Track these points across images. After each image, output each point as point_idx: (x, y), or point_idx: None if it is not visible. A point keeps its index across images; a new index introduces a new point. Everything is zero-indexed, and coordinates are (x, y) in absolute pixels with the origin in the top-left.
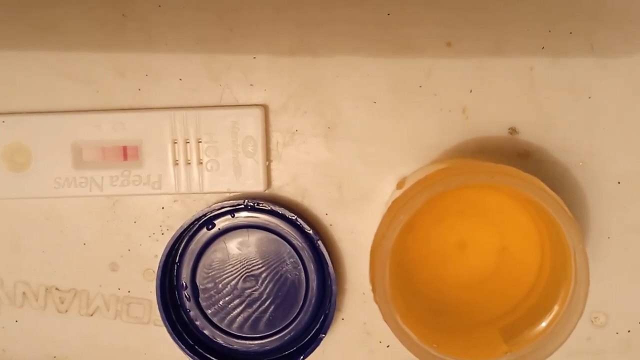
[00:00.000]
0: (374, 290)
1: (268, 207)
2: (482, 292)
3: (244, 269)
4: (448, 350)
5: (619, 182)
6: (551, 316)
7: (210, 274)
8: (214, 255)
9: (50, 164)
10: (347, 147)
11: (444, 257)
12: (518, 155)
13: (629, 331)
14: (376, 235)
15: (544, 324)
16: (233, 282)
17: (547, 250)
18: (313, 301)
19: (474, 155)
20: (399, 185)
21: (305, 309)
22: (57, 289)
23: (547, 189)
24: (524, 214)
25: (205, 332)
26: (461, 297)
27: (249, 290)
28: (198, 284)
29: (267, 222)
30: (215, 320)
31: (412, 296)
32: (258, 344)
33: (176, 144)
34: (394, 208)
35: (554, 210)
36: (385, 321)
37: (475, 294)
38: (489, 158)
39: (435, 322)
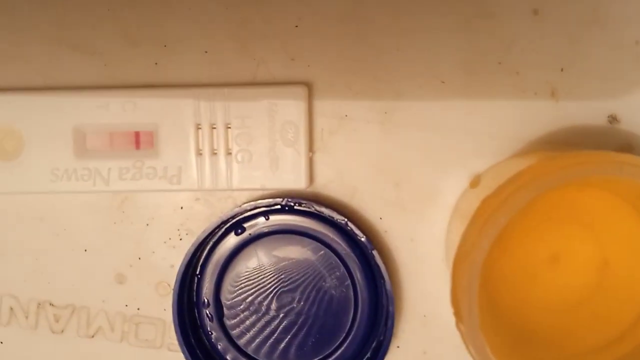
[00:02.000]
0: (457, 314)
1: (311, 208)
2: (578, 317)
3: (279, 283)
4: None
5: None
6: None
7: (237, 290)
8: (242, 266)
9: (47, 151)
10: (407, 137)
11: (532, 274)
12: (619, 149)
13: None
14: (461, 245)
15: None
16: (265, 300)
17: None
18: (363, 324)
19: (566, 147)
20: (473, 183)
21: (353, 333)
22: (51, 304)
23: None
24: (634, 219)
25: (229, 358)
26: (554, 323)
27: (284, 310)
28: (223, 301)
29: (308, 227)
30: (242, 344)
31: (497, 321)
32: None
33: (200, 130)
34: (486, 210)
35: None
36: (472, 354)
37: (572, 319)
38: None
39: (524, 353)
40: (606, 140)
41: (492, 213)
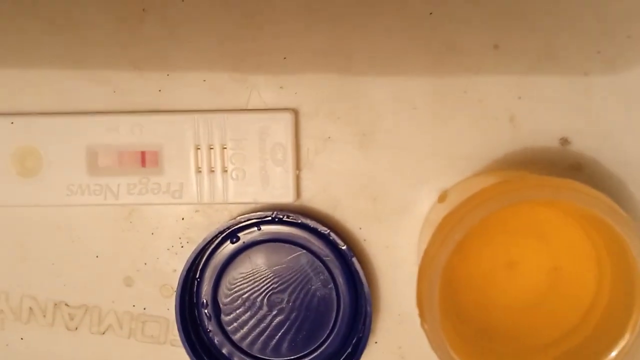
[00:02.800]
0: (422, 315)
1: (298, 219)
2: (532, 316)
3: (269, 286)
4: None
5: None
6: (620, 346)
7: (233, 291)
8: (237, 271)
9: (63, 169)
10: (383, 156)
11: (492, 278)
12: (570, 168)
13: None
14: (425, 256)
15: (613, 354)
16: (258, 301)
17: (606, 273)
18: (345, 323)
19: (522, 167)
20: (441, 198)
21: (336, 330)
22: (66, 304)
23: (617, 207)
24: (579, 232)
25: (227, 353)
26: (510, 321)
27: (275, 309)
28: (220, 302)
29: (296, 236)
30: (237, 341)
31: (459, 320)
32: None
33: (199, 150)
34: (446, 226)
35: (625, 231)
36: (434, 349)
37: (526, 318)
38: (538, 171)
39: (483, 348)
40: (558, 160)
41: (450, 229)
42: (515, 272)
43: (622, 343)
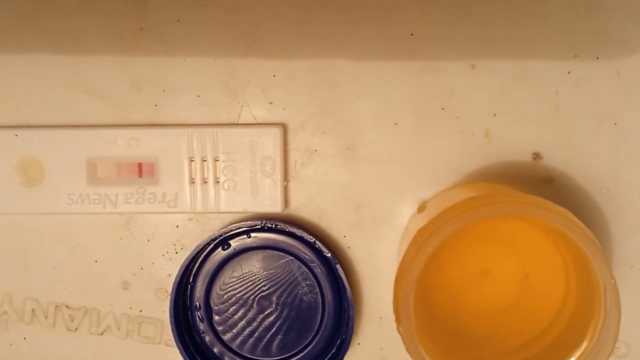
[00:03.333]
0: (398, 321)
1: (286, 228)
2: (503, 321)
3: (259, 290)
4: None
5: None
6: (580, 351)
7: (224, 295)
8: (228, 275)
9: (64, 179)
10: (366, 169)
11: (466, 285)
12: (541, 181)
13: None
14: (400, 265)
15: (572, 359)
16: (247, 304)
17: (572, 282)
18: (329, 325)
19: (497, 180)
20: (420, 209)
21: (320, 332)
22: (67, 306)
23: (578, 221)
24: (549, 244)
25: (218, 354)
26: (482, 326)
27: (264, 312)
28: (212, 305)
29: (283, 244)
30: (228, 342)
31: (434, 325)
32: None
33: (193, 162)
34: (420, 238)
35: (585, 244)
36: (409, 353)
37: (497, 323)
38: (511, 183)
39: (457, 352)
40: (531, 173)
41: (424, 241)
42: (488, 279)
43: (581, 349)
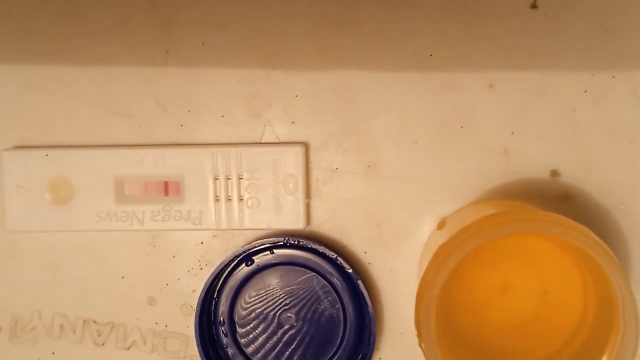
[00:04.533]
0: (419, 335)
1: (308, 244)
2: (523, 336)
3: (281, 305)
4: None
5: None
6: None
7: (248, 310)
8: (252, 291)
9: (93, 197)
10: (386, 186)
11: (486, 301)
12: (559, 198)
13: None
14: (422, 281)
15: None
16: (270, 319)
17: (591, 297)
18: (350, 340)
19: (515, 197)
20: (440, 225)
21: (342, 347)
22: (94, 321)
23: (597, 238)
24: (567, 260)
25: None
26: (503, 341)
27: (286, 327)
28: (236, 320)
29: (306, 260)
30: (251, 355)
31: (455, 339)
32: None
33: (217, 181)
34: (441, 254)
35: (604, 260)
36: None
37: (517, 338)
38: (530, 200)
39: None
40: (549, 190)
41: (445, 258)
42: (508, 295)
43: None
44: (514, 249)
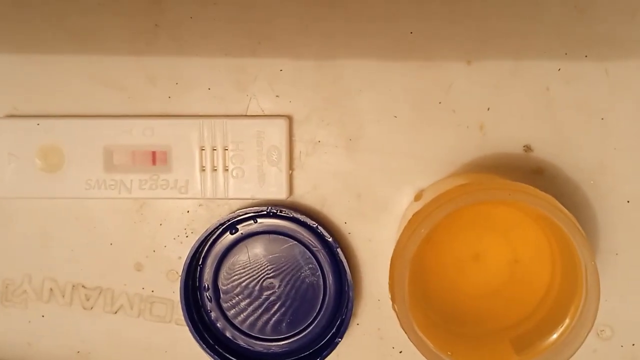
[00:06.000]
0: (393, 299)
1: (290, 214)
2: (494, 302)
3: (264, 272)
4: (462, 358)
5: (628, 201)
6: (562, 329)
7: (231, 277)
8: (236, 258)
9: (82, 166)
10: (367, 159)
11: (459, 268)
12: (532, 172)
13: (633, 344)
14: (396, 246)
15: (554, 336)
16: (253, 285)
17: (557, 265)
18: (330, 306)
19: (490, 170)
20: (417, 197)
21: (322, 313)
22: (83, 286)
23: (562, 207)
24: (537, 230)
25: (226, 333)
26: (475, 307)
27: (268, 293)
28: (220, 286)
29: (288, 229)
30: (234, 321)
31: (428, 305)
32: (275, 345)
33: (203, 151)
34: (415, 221)
35: (568, 228)
36: (403, 329)
37: (488, 304)
38: (504, 174)
39: (449, 331)
40: (522, 165)
41: (418, 224)
42: (480, 263)
43: (564, 325)
44: (486, 218)
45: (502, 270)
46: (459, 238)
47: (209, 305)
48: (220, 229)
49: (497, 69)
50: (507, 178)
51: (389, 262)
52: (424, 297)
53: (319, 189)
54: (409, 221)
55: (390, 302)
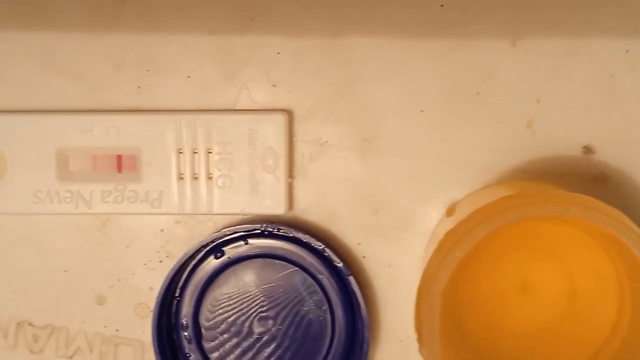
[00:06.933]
0: (420, 340)
1: (290, 233)
2: (546, 343)
3: (257, 307)
4: None
5: None
6: None
7: (216, 312)
8: (221, 289)
9: (30, 174)
10: (386, 164)
11: (502, 301)
12: (594, 179)
13: None
14: (424, 274)
15: None
16: (244, 323)
17: (627, 297)
18: (340, 349)
19: (541, 178)
20: (449, 212)
21: (330, 357)
22: (30, 324)
23: (632, 224)
24: (600, 252)
25: None
26: (521, 349)
27: (262, 333)
28: (201, 324)
29: (287, 252)
30: None
31: (463, 347)
32: None
33: (181, 155)
34: (448, 242)
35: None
36: None
37: (538, 346)
38: (558, 182)
39: None
40: (581, 170)
41: (452, 246)
42: (528, 295)
43: None
44: (536, 239)
45: (555, 304)
46: (501, 264)
47: (187, 347)
48: (203, 252)
49: (548, 50)
50: (562, 188)
51: (414, 294)
52: (458, 337)
53: (326, 201)
54: (440, 242)
55: (417, 345)
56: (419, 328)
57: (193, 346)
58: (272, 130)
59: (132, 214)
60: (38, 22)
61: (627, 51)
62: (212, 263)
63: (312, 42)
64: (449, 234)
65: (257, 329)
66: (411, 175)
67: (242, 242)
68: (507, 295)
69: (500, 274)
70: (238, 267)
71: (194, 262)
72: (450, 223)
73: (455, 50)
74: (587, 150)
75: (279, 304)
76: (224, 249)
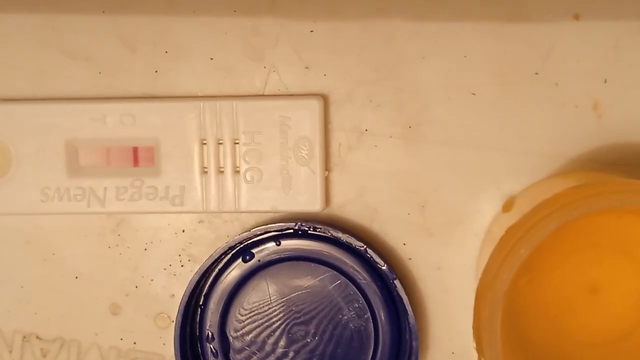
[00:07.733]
0: (479, 350)
1: (327, 233)
2: (620, 353)
3: (291, 316)
4: None
5: None
6: None
7: (245, 322)
8: (251, 296)
9: (36, 169)
10: (434, 154)
11: (569, 305)
12: None
13: None
14: (484, 275)
15: None
16: (276, 334)
17: None
18: None
19: (608, 167)
20: (506, 206)
21: None
22: (38, 337)
23: None
24: None
25: None
26: (593, 358)
27: (297, 345)
28: (229, 335)
29: (324, 254)
30: None
31: (526, 356)
32: None
33: (205, 146)
34: (509, 240)
35: None
36: None
37: (613, 354)
38: (629, 172)
39: None
40: None
41: (515, 244)
42: (599, 298)
43: None
44: (607, 235)
45: (630, 309)
46: (566, 264)
47: None
48: (229, 255)
49: (616, 24)
50: (634, 177)
51: (467, 298)
52: (521, 346)
53: (367, 196)
54: (501, 239)
55: (476, 355)
56: (478, 336)
57: (220, 359)
58: (306, 117)
59: (150, 212)
60: (44, 3)
61: None
62: (240, 267)
63: (350, 16)
64: (511, 230)
65: (291, 341)
66: (462, 166)
67: (273, 243)
68: (574, 300)
69: (565, 276)
70: (269, 271)
71: (219, 266)
72: (508, 219)
73: (511, 24)
74: None
75: (315, 312)
76: (253, 251)
